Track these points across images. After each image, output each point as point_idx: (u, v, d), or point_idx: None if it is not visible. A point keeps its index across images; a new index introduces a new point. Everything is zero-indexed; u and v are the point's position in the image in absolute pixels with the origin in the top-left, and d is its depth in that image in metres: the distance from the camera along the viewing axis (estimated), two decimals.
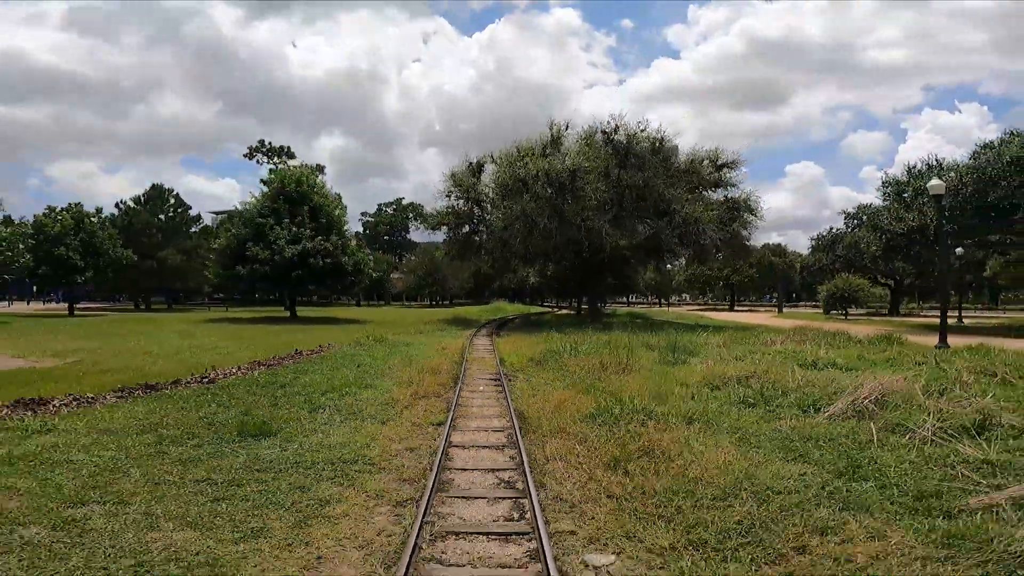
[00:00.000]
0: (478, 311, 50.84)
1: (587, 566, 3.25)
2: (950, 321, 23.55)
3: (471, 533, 3.70)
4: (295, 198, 32.63)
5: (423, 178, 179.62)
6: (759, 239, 49.55)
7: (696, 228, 24.77)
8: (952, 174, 27.26)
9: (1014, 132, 26.68)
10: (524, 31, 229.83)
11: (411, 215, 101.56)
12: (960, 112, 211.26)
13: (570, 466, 4.94)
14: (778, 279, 70.33)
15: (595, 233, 24.14)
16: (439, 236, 34.93)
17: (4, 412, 6.46)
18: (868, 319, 39.79)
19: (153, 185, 52.02)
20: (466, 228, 32.00)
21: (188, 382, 8.97)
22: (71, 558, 3.17)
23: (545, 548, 3.31)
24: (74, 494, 4.06)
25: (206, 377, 9.44)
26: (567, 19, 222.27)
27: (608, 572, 3.20)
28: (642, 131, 26.99)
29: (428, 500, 4.09)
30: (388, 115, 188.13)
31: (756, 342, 14.86)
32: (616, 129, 27.14)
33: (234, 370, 10.36)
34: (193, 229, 54.38)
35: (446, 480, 4.74)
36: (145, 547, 3.30)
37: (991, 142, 27.32)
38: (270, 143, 59.68)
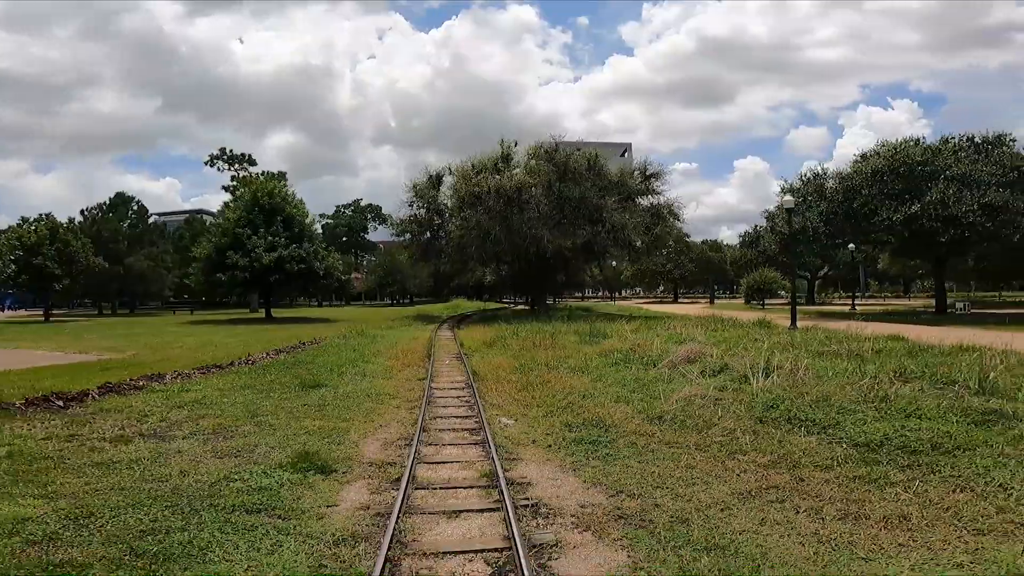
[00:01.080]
0: (439, 308, 54.51)
1: (501, 424, 7.32)
2: (845, 308, 29.01)
3: (448, 417, 7.71)
4: (269, 209, 35.57)
5: (377, 175, 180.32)
6: (709, 234, 55.08)
7: (623, 233, 29.44)
8: (831, 182, 33.04)
9: (884, 143, 32.54)
10: (480, 27, 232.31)
11: (370, 216, 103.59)
12: (893, 109, 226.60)
13: (499, 392, 9.05)
14: (711, 273, 76.74)
15: (538, 239, 28.44)
16: (399, 237, 38.62)
17: (141, 382, 10.03)
18: (784, 307, 45.87)
19: (117, 193, 53.29)
20: (427, 234, 35.81)
21: (238, 363, 12.61)
22: (274, 432, 6.96)
23: (483, 418, 7.37)
24: (244, 413, 7.80)
25: (248, 360, 13.09)
26: (524, 16, 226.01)
27: (509, 426, 7.28)
28: (578, 151, 31.46)
29: (424, 408, 8.08)
30: (341, 112, 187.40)
31: (660, 327, 19.31)
32: (556, 148, 31.55)
33: (263, 355, 14.00)
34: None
35: (432, 401, 8.74)
36: (300, 428, 7.10)
37: (866, 153, 33.17)
38: (231, 150, 61.31)
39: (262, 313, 42.20)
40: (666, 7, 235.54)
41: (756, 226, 51.80)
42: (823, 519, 3.95)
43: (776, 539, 3.68)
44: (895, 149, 30.96)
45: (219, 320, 35.85)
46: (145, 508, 4.15)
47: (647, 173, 34.81)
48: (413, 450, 5.73)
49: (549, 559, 3.55)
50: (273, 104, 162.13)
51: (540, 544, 3.74)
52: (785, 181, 36.92)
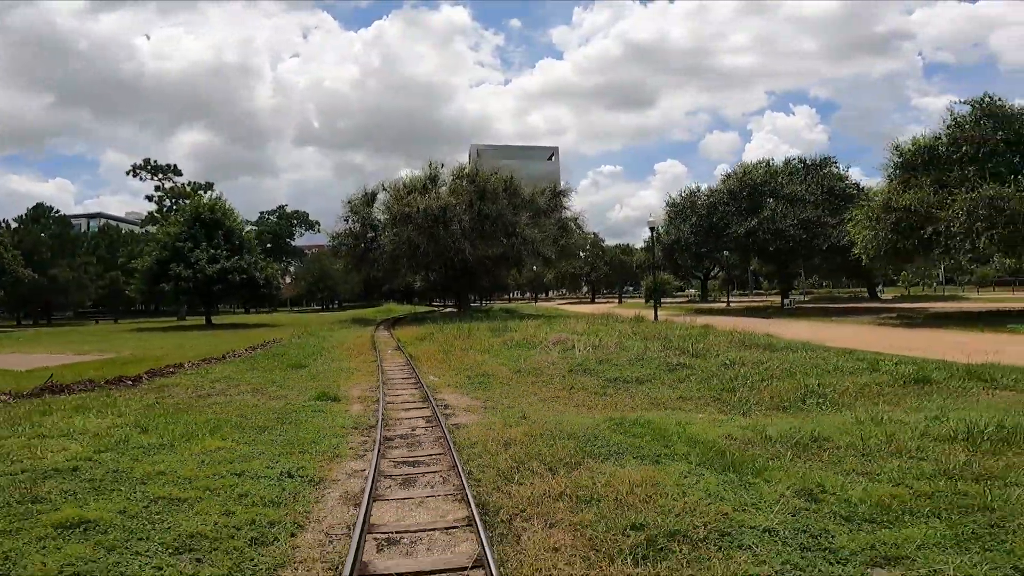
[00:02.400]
0: (372, 312, 58.05)
1: (430, 379, 12.16)
2: (722, 304, 35.88)
3: (396, 378, 12.44)
4: (210, 222, 38.13)
5: (299, 176, 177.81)
6: (634, 235, 62.35)
7: (533, 246, 34.99)
8: (701, 199, 40.32)
9: (741, 165, 40.19)
10: (412, 27, 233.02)
11: (296, 222, 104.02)
12: (794, 115, 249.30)
13: (428, 365, 13.90)
14: (622, 275, 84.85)
15: (461, 251, 33.38)
16: (322, 239, 42.35)
17: (171, 369, 13.95)
18: (678, 305, 53.65)
19: (37, 204, 52.58)
20: (362, 246, 39.78)
21: (229, 356, 16.59)
22: (293, 388, 11.42)
23: (418, 377, 12.18)
24: (264, 381, 12.14)
25: (235, 354, 17.08)
26: (456, 17, 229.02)
27: (434, 380, 12.14)
28: (494, 175, 36.69)
29: (380, 374, 12.76)
30: (260, 111, 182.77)
31: (557, 323, 24.71)
32: (477, 172, 36.64)
33: (243, 352, 17.97)
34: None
35: (384, 371, 13.42)
36: (307, 385, 11.55)
37: (728, 173, 40.71)
38: (155, 161, 61.50)
39: (195, 321, 44.28)
40: (596, 11, 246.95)
41: (657, 228, 59.24)
42: (575, 407, 9.13)
43: (549, 414, 8.79)
44: (745, 171, 38.65)
45: (162, 327, 37.90)
46: (259, 417, 8.64)
47: (556, 191, 40.74)
48: (380, 391, 10.48)
49: (449, 418, 8.47)
50: (182, 102, 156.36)
51: (446, 414, 8.65)
52: (670, 195, 44.17)
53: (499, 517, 4.21)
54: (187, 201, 60.85)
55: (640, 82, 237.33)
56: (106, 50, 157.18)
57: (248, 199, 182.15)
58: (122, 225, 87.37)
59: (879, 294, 54.28)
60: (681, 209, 41.27)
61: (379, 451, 6.17)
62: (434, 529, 4.18)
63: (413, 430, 7.46)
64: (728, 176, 39.83)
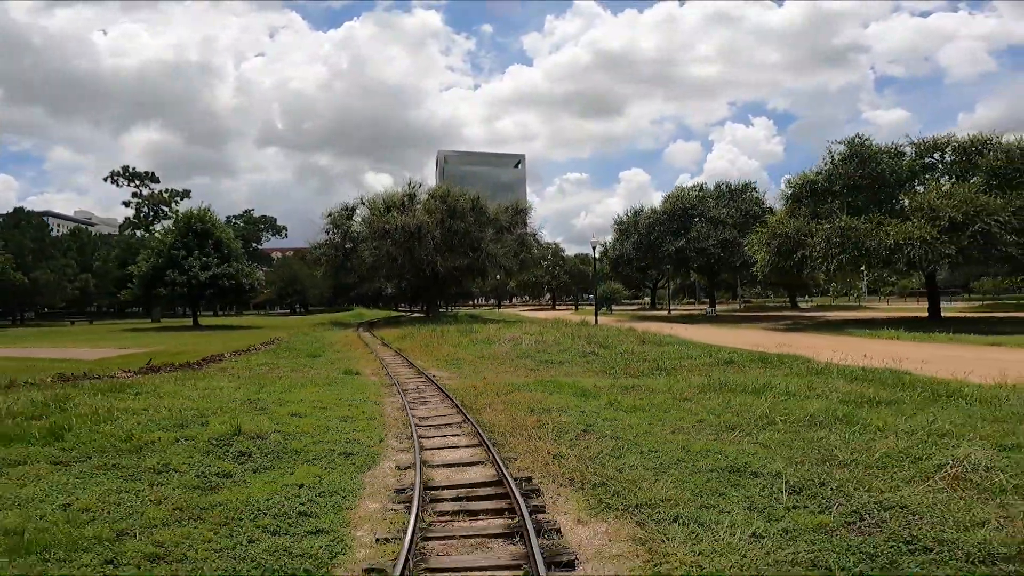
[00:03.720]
0: (346, 316, 61.90)
1: (419, 363, 16.97)
2: (664, 312, 41.70)
3: (394, 363, 17.20)
4: (201, 232, 41.71)
5: (261, 177, 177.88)
6: (583, 248, 68.42)
7: (495, 259, 40.08)
8: (644, 217, 46.19)
9: (678, 187, 46.29)
10: (384, 30, 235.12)
11: (263, 227, 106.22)
12: (753, 126, 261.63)
13: (415, 355, 18.72)
14: (580, 283, 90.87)
15: (433, 263, 38.14)
16: (287, 243, 46.43)
17: (217, 357, 18.28)
18: (628, 312, 59.74)
19: (17, 208, 54.49)
20: (341, 256, 44.05)
21: (252, 349, 20.91)
22: (322, 368, 16.04)
23: (412, 362, 17.00)
24: (298, 364, 16.69)
25: (255, 348, 21.40)
26: (429, 20, 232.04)
27: (420, 363, 16.95)
28: (463, 195, 41.63)
29: (382, 362, 17.49)
30: (221, 110, 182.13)
31: (515, 326, 29.79)
32: (448, 192, 41.52)
33: (258, 347, 22.28)
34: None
35: (382, 359, 18.15)
36: (333, 366, 16.22)
37: (671, 194, 46.75)
38: (133, 168, 63.89)
39: (175, 323, 47.46)
40: (568, 19, 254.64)
41: (605, 244, 65.60)
42: (516, 375, 14.11)
43: (499, 378, 13.73)
44: (680, 194, 44.81)
45: (152, 328, 41.15)
46: (319, 381, 13.27)
47: (517, 209, 45.99)
48: (386, 370, 15.25)
49: (437, 380, 13.30)
50: (138, 100, 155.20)
51: (435, 378, 13.49)
52: (618, 215, 50.03)
53: (471, 409, 9.12)
54: (165, 208, 63.62)
55: (608, 90, 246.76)
56: (61, 46, 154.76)
57: (206, 200, 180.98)
58: (91, 228, 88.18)
59: (799, 304, 61.61)
60: (626, 227, 47.14)
61: (403, 393, 11.03)
62: (441, 415, 9.07)
63: (417, 386, 12.31)
64: (667, 198, 45.95)
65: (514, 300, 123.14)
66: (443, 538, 4.27)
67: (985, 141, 28.01)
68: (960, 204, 23.21)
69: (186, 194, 66.78)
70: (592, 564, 3.79)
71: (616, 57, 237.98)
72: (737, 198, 44.14)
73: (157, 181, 65.48)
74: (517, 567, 3.81)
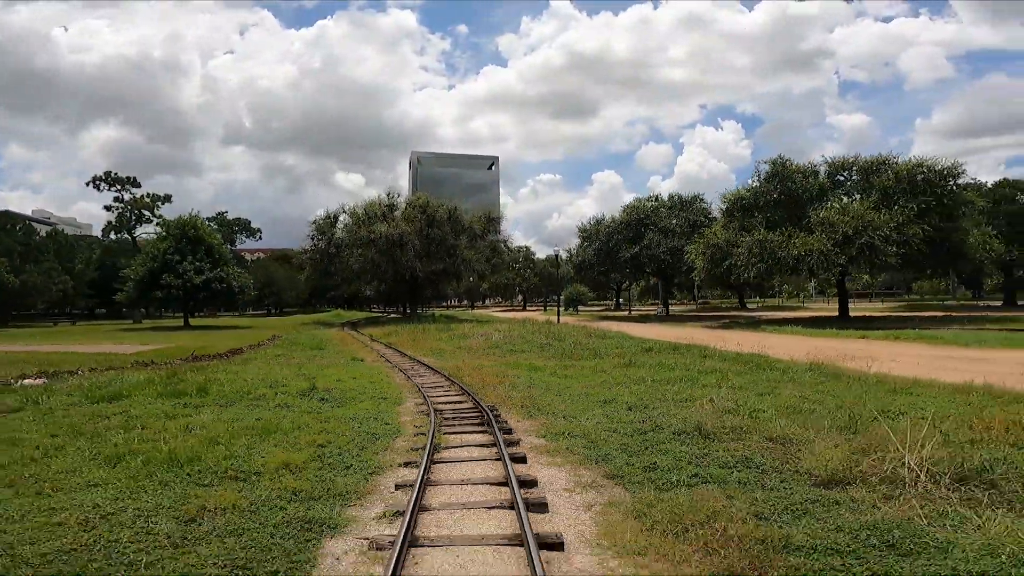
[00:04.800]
0: (327, 317, 65.04)
1: (409, 353, 20.97)
2: (625, 312, 46.39)
3: (388, 354, 21.14)
4: (194, 239, 44.62)
5: (227, 176, 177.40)
6: (571, 244, 73.47)
7: (469, 264, 44.19)
8: (605, 225, 50.85)
9: (636, 199, 51.16)
10: (357, 29, 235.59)
11: (237, 229, 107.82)
12: (722, 129, 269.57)
13: (405, 347, 22.70)
14: (549, 285, 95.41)
15: (413, 268, 42.02)
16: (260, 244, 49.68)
17: (239, 350, 21.90)
18: (592, 313, 64.58)
19: (3, 211, 56.02)
20: (325, 261, 47.53)
21: (261, 345, 24.52)
22: (331, 356, 19.87)
23: (403, 352, 20.99)
24: (309, 355, 20.48)
25: (262, 344, 25.00)
26: (404, 20, 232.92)
27: (412, 353, 20.94)
28: (441, 206, 45.59)
29: (378, 353, 21.42)
30: (186, 108, 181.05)
31: (486, 325, 33.94)
32: (427, 204, 45.42)
33: (266, 343, 25.85)
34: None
35: (376, 351, 22.08)
36: (339, 355, 20.08)
37: (630, 204, 51.55)
38: (115, 173, 65.71)
39: (163, 323, 50.11)
40: (544, 21, 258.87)
41: (569, 250, 70.43)
42: (487, 361, 18.24)
43: (474, 363, 17.83)
44: (637, 205, 49.69)
45: (145, 328, 43.86)
46: (339, 364, 17.14)
47: (489, 217, 50.17)
48: (384, 358, 19.20)
49: (423, 362, 17.36)
50: (98, 98, 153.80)
51: (426, 363, 17.52)
52: (582, 222, 54.68)
53: (455, 377, 13.20)
54: (148, 212, 65.73)
55: (582, 92, 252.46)
56: (20, 41, 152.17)
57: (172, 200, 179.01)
58: (66, 228, 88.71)
59: (747, 305, 67.42)
60: (589, 234, 51.79)
61: (404, 372, 15.07)
62: (435, 381, 13.14)
63: (413, 366, 16.34)
64: (625, 208, 50.78)
65: (487, 301, 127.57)
66: (448, 429, 8.34)
67: (882, 162, 33.33)
68: (852, 220, 28.33)
69: (167, 199, 68.81)
70: (521, 431, 7.92)
71: (590, 59, 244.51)
72: (687, 209, 49.22)
73: (138, 186, 67.33)
74: (485, 435, 7.92)
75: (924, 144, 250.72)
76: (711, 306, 75.50)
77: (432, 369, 15.20)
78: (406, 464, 6.16)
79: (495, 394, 10.57)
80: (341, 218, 48.14)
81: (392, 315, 73.79)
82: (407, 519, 4.32)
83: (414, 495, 4.83)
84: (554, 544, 4.09)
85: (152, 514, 4.42)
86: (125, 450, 6.06)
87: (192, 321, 53.56)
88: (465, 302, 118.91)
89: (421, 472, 5.49)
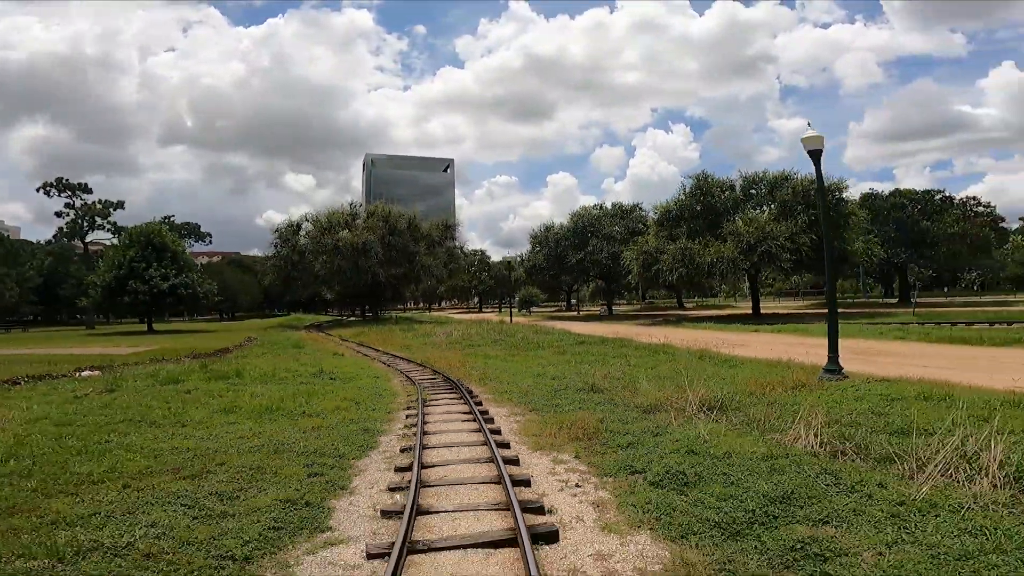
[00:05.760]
0: (288, 320, 66.77)
1: (376, 349, 24.43)
2: (574, 313, 50.73)
3: (364, 351, 24.55)
4: (158, 247, 46.11)
5: (164, 177, 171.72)
6: (518, 247, 76.99)
7: (428, 270, 47.68)
8: (554, 232, 55.32)
9: (583, 207, 55.87)
10: (310, 28, 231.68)
11: (185, 233, 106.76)
12: (672, 132, 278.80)
13: (376, 344, 26.13)
14: (504, 287, 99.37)
15: (376, 274, 45.13)
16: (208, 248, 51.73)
17: (227, 349, 24.76)
18: (546, 313, 69.08)
19: None
20: (288, 268, 49.90)
21: (242, 344, 27.35)
22: (310, 355, 23.10)
23: (374, 347, 24.43)
24: (290, 353, 23.59)
25: (239, 346, 27.83)
26: (359, 20, 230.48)
27: (384, 349, 24.41)
28: (401, 216, 48.83)
29: (356, 351, 24.76)
30: (121, 106, 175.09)
31: (447, 325, 37.57)
32: (389, 213, 48.56)
33: (245, 343, 28.64)
34: None
35: (354, 349, 25.41)
36: (320, 353, 23.28)
37: (576, 212, 56.17)
38: (66, 180, 65.32)
39: (113, 328, 51.15)
40: (503, 23, 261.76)
41: (522, 255, 74.70)
42: (450, 353, 21.97)
43: (439, 355, 21.52)
44: (583, 212, 54.42)
45: (108, 333, 45.05)
46: (332, 355, 20.44)
47: (447, 225, 53.76)
48: (361, 353, 22.62)
49: (400, 357, 20.95)
50: (24, 95, 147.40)
51: (401, 356, 21.10)
52: (533, 228, 58.99)
53: (427, 364, 16.91)
54: (99, 219, 65.84)
55: (538, 95, 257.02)
56: None
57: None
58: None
59: (685, 304, 73.61)
60: (540, 240, 56.16)
61: (383, 362, 18.64)
62: (412, 366, 16.81)
63: (389, 359, 19.91)
64: (572, 216, 55.45)
65: (443, 303, 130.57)
66: (430, 392, 12.07)
67: (784, 178, 38.96)
68: (755, 231, 33.65)
69: (120, 205, 68.79)
70: (478, 392, 11.70)
71: (547, 62, 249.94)
72: (626, 217, 54.34)
73: (90, 192, 66.98)
74: (455, 393, 11.70)
75: (856, 148, 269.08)
76: (654, 306, 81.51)
77: (406, 359, 18.86)
78: (407, 407, 9.93)
79: (459, 372, 14.38)
80: (304, 226, 50.62)
81: (351, 318, 76.04)
82: (419, 428, 8.09)
83: (420, 419, 8.61)
84: (497, 432, 7.96)
85: (279, 431, 8.00)
86: (230, 405, 9.53)
87: (139, 327, 54.64)
88: (422, 305, 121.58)
89: (420, 410, 9.26)
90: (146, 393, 11.13)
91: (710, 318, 38.79)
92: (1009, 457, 4.99)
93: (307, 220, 50.45)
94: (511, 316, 41.64)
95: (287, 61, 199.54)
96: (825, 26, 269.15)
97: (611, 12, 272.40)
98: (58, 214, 65.83)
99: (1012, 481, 4.71)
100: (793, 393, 9.55)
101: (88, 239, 68.25)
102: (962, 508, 4.28)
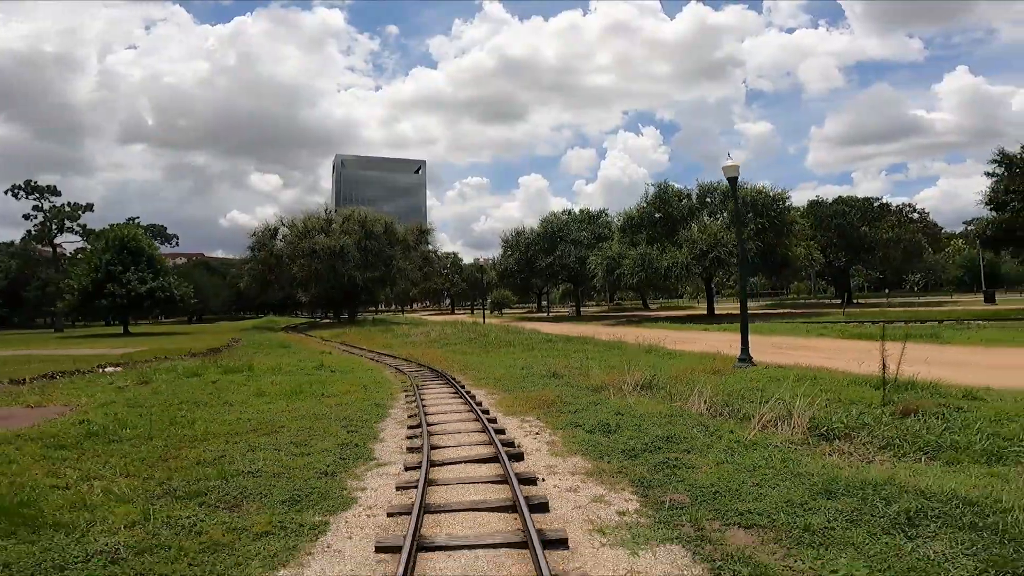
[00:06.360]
0: (262, 323, 67.60)
1: (361, 347, 26.50)
2: (544, 314, 53.29)
3: (350, 350, 26.58)
4: (135, 251, 46.86)
5: (121, 176, 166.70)
6: (490, 249, 79.53)
7: (403, 273, 49.70)
8: (524, 237, 57.87)
9: (552, 213, 58.63)
10: (279, 27, 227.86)
11: (151, 234, 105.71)
12: (643, 135, 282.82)
13: (356, 342, 28.17)
14: (474, 290, 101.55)
15: (353, 277, 46.91)
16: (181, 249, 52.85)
17: (226, 343, 26.44)
18: (517, 315, 71.63)
19: None
20: (267, 272, 51.20)
21: (230, 345, 29.00)
22: (301, 353, 25.04)
23: (359, 347, 26.49)
24: (280, 351, 25.48)
25: (228, 346, 29.46)
26: (330, 19, 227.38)
27: (367, 349, 26.48)
28: (378, 220, 50.69)
29: (342, 350, 26.75)
30: (78, 104, 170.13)
31: (423, 325, 39.71)
32: (365, 219, 50.34)
33: (232, 343, 30.25)
34: None
35: (339, 348, 27.38)
36: (308, 352, 25.25)
37: (546, 217, 58.84)
38: (35, 182, 64.79)
39: (84, 331, 51.64)
40: (476, 24, 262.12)
41: (494, 259, 77.12)
42: (429, 351, 24.25)
43: (419, 352, 23.78)
44: (553, 218, 57.14)
45: (83, 336, 45.58)
46: (320, 354, 22.45)
47: (422, 230, 55.86)
48: (348, 353, 24.68)
49: (386, 355, 23.12)
50: None
51: (385, 353, 23.27)
52: (504, 233, 61.45)
53: (412, 358, 19.18)
54: (69, 221, 65.57)
55: (511, 96, 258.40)
56: None
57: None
58: None
59: (650, 305, 77.25)
60: (511, 244, 58.65)
61: (373, 359, 20.82)
62: (399, 361, 19.05)
63: (376, 355, 22.08)
64: (542, 221, 58.08)
65: (415, 305, 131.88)
66: (421, 380, 14.39)
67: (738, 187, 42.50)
68: (707, 238, 36.88)
69: (89, 207, 68.50)
70: (460, 379, 14.04)
71: (520, 64, 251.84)
72: (593, 223, 57.31)
73: (59, 194, 66.49)
74: (442, 379, 14.04)
75: (817, 152, 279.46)
76: (621, 307, 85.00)
77: (391, 356, 21.10)
78: (404, 391, 12.26)
79: (441, 365, 16.74)
80: (280, 231, 51.98)
81: (325, 320, 77.10)
82: (419, 402, 10.43)
83: (417, 396, 10.96)
84: (479, 404, 10.37)
85: (310, 407, 10.22)
86: (259, 391, 11.69)
87: (108, 329, 55.04)
88: (395, 307, 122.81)
89: (417, 393, 11.60)
90: (178, 384, 13.16)
91: (669, 318, 41.96)
92: (815, 415, 7.68)
93: (283, 224, 51.85)
94: (484, 317, 44.01)
95: (254, 60, 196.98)
96: (790, 31, 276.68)
97: (584, 15, 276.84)
98: (26, 216, 65.23)
99: (809, 429, 7.37)
100: (710, 377, 12.23)
101: (57, 241, 67.76)
102: (771, 445, 6.88)
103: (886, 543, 4.10)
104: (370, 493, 5.69)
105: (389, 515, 5.05)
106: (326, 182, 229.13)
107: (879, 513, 4.54)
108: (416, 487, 5.47)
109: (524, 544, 4.34)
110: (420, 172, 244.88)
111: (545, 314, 67.25)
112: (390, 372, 16.14)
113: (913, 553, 3.93)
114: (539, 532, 4.38)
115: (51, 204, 65.94)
